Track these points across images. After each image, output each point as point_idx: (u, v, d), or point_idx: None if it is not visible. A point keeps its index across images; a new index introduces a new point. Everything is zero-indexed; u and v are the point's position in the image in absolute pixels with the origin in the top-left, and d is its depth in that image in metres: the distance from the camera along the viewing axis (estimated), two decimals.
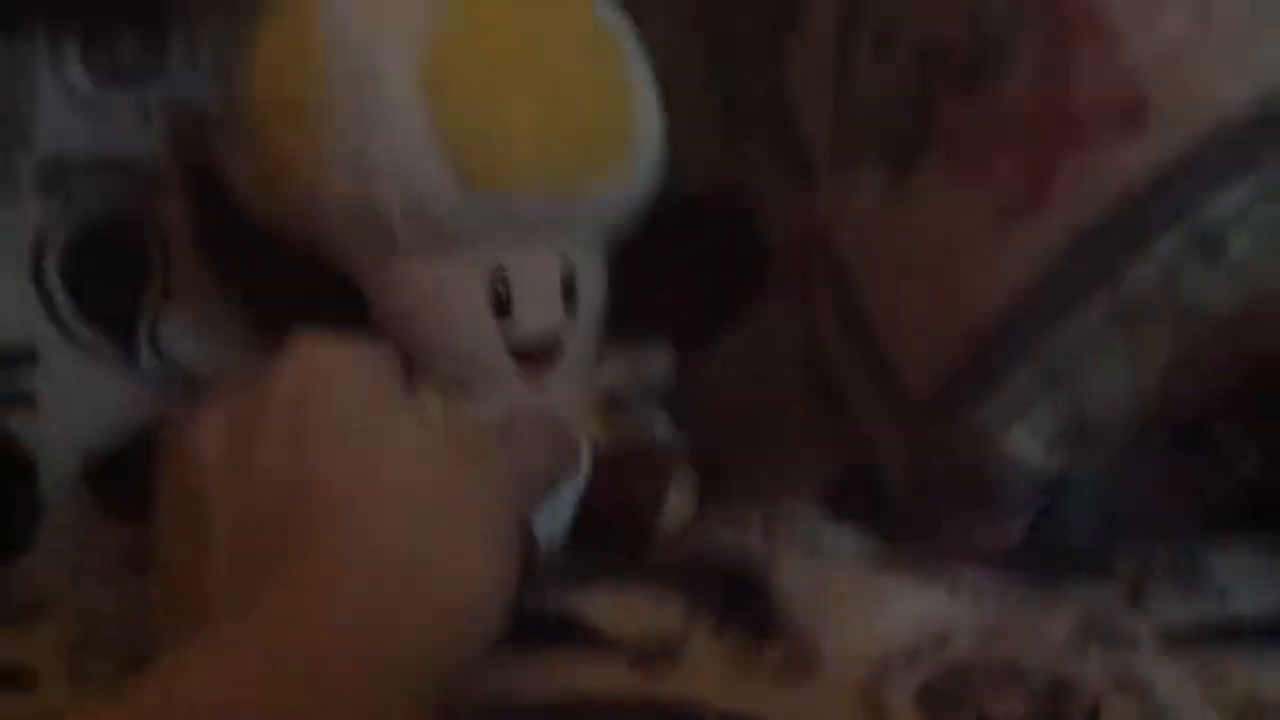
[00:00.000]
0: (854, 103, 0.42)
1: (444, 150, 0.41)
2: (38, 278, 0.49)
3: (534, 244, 0.43)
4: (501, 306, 0.43)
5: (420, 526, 0.33)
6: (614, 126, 0.44)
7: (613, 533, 0.44)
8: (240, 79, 0.44)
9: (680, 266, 0.50)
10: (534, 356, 0.44)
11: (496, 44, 0.42)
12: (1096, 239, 0.35)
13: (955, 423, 0.38)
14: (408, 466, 0.34)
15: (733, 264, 0.51)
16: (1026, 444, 0.37)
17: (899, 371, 0.40)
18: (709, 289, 0.51)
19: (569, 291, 0.44)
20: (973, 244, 0.37)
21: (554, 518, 0.43)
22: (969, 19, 0.37)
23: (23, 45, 0.50)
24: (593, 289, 0.45)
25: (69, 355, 0.49)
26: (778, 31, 0.46)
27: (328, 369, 0.34)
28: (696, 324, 0.51)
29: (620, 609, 0.38)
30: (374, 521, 0.32)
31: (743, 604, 0.37)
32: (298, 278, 0.46)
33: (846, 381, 0.45)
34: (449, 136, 0.41)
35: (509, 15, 0.42)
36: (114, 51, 0.51)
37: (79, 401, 0.49)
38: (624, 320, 0.50)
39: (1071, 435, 0.37)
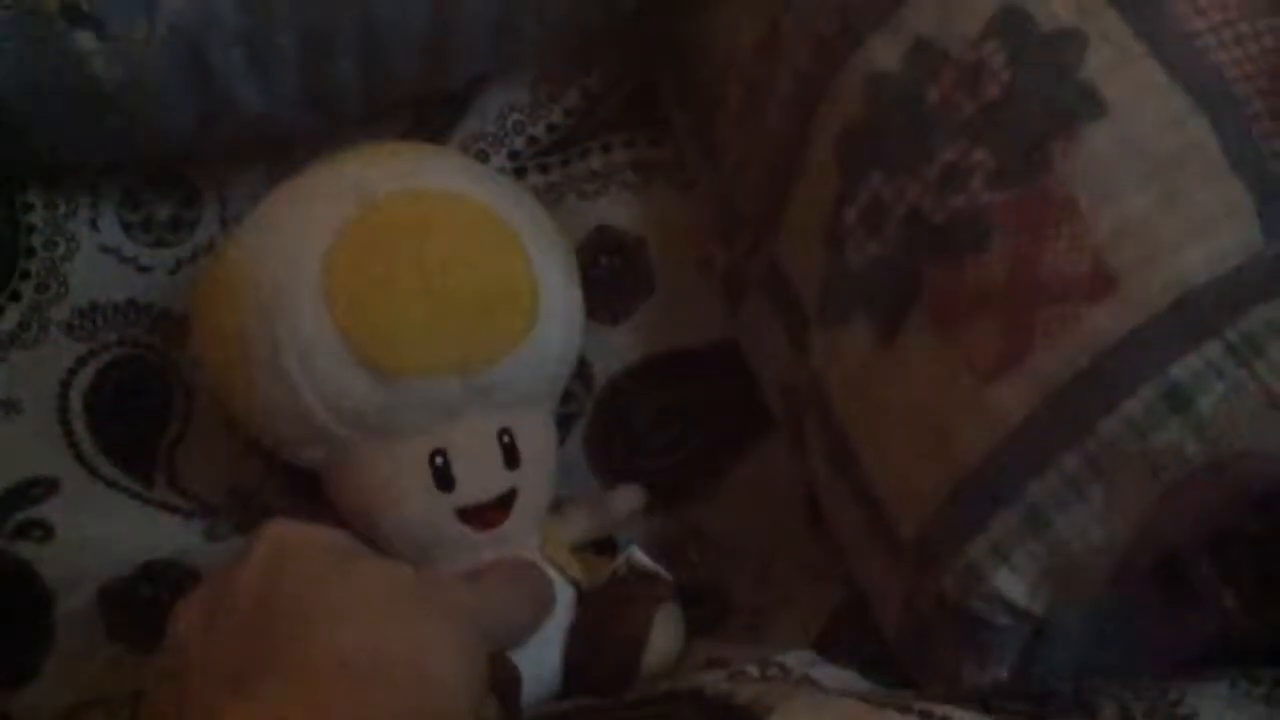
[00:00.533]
0: (844, 267, 0.43)
1: (352, 352, 0.43)
2: (62, 413, 0.51)
3: (465, 420, 0.45)
4: (444, 482, 0.45)
5: (379, 628, 0.34)
6: (509, 307, 0.45)
7: (601, 665, 0.45)
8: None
9: (680, 416, 0.52)
10: (484, 518, 0.45)
11: (386, 250, 0.44)
12: (1069, 396, 0.37)
13: (942, 563, 0.39)
14: (365, 580, 0.36)
15: (730, 413, 0.52)
16: (1011, 585, 0.38)
17: (889, 514, 0.41)
18: (708, 436, 0.53)
19: (511, 450, 0.46)
20: (955, 399, 0.39)
21: (540, 655, 0.44)
22: (950, 195, 0.39)
23: (64, 203, 0.52)
24: (537, 443, 0.47)
25: (88, 487, 0.50)
26: (775, 205, 0.47)
27: (294, 549, 0.36)
28: (695, 469, 0.52)
29: None
30: (333, 628, 0.33)
31: None
32: None
33: (840, 522, 0.45)
34: (351, 337, 0.43)
35: (398, 224, 0.44)
36: (149, 210, 0.53)
37: (95, 532, 0.49)
38: (623, 469, 0.52)
39: (1054, 577, 0.38)
